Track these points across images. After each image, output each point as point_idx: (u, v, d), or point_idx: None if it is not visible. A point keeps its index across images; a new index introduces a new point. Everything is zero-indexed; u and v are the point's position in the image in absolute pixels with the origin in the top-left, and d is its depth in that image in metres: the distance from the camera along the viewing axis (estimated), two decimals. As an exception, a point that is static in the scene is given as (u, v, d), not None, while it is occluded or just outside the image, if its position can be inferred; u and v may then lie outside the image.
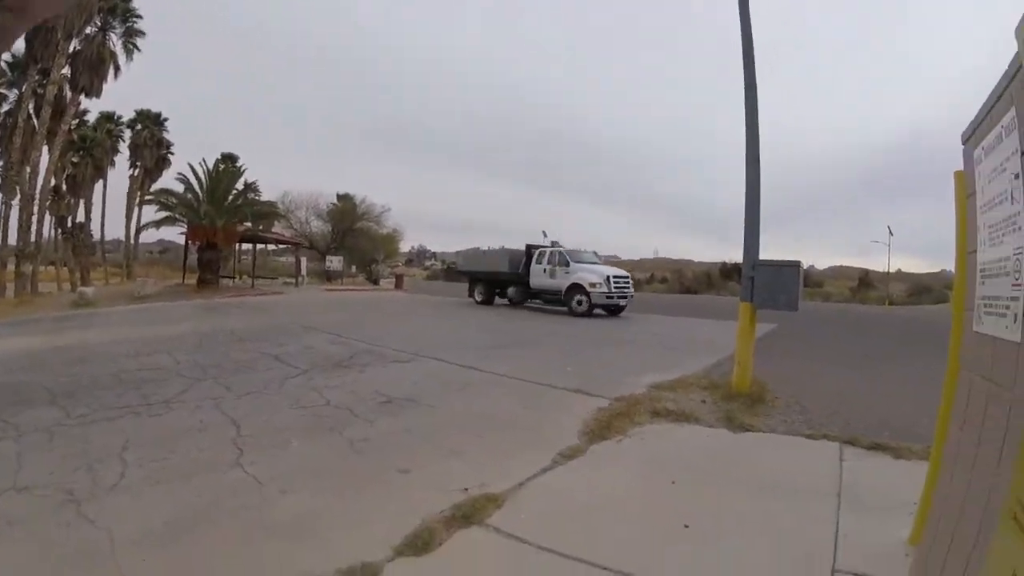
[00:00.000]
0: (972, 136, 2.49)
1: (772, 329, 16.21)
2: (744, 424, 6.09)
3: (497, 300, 24.37)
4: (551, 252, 21.54)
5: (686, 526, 3.78)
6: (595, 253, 23.26)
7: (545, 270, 21.28)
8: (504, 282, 23.49)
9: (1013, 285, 1.86)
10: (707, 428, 6.05)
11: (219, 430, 5.69)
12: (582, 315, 19.43)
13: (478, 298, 24.50)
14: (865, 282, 67.71)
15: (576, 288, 20.00)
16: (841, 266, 79.76)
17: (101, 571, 3.16)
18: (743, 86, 7.89)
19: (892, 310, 40.00)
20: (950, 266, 3.16)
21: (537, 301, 22.53)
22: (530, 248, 22.74)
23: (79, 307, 19.60)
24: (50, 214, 36.55)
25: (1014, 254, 1.87)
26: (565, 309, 20.29)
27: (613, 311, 20.56)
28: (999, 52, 2.01)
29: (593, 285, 19.68)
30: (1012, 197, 1.91)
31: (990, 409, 2.04)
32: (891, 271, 61.61)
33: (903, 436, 5.58)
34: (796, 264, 7.44)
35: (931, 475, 3.24)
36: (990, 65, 2.15)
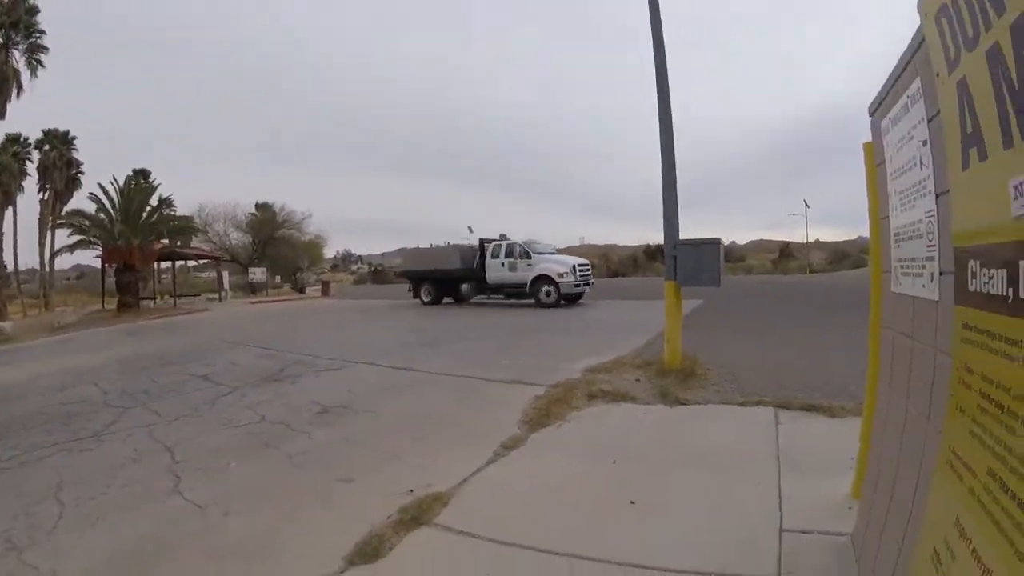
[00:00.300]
0: (879, 108, 2.61)
1: (699, 305, 16.69)
2: (679, 398, 6.26)
3: (444, 299, 23.93)
4: (509, 245, 21.32)
5: (632, 503, 3.87)
6: (551, 245, 23.23)
7: (504, 264, 21.07)
8: (457, 279, 22.84)
9: (928, 246, 1.96)
10: (643, 406, 6.19)
11: (153, 458, 5.50)
12: (550, 306, 19.67)
13: (425, 298, 23.79)
14: (786, 253, 70.26)
15: (543, 279, 20.17)
16: (762, 240, 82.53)
17: None
18: (654, 70, 8.06)
19: (813, 278, 41.66)
20: (865, 232, 3.31)
21: (483, 297, 22.41)
22: (483, 243, 22.39)
23: None
24: None
25: (926, 216, 1.97)
26: (492, 302, 20.51)
27: (575, 299, 20.81)
28: (901, 30, 2.12)
29: (561, 275, 19.93)
30: (921, 163, 2.00)
31: (915, 364, 2.15)
32: (810, 241, 64.18)
33: (835, 397, 5.82)
34: (716, 241, 7.67)
35: (865, 430, 3.38)
36: (892, 43, 2.26)
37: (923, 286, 2.03)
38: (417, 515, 3.85)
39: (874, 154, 2.81)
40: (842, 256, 64.16)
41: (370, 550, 3.45)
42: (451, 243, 24.18)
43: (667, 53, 8.05)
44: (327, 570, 3.26)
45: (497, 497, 4.17)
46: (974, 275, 1.47)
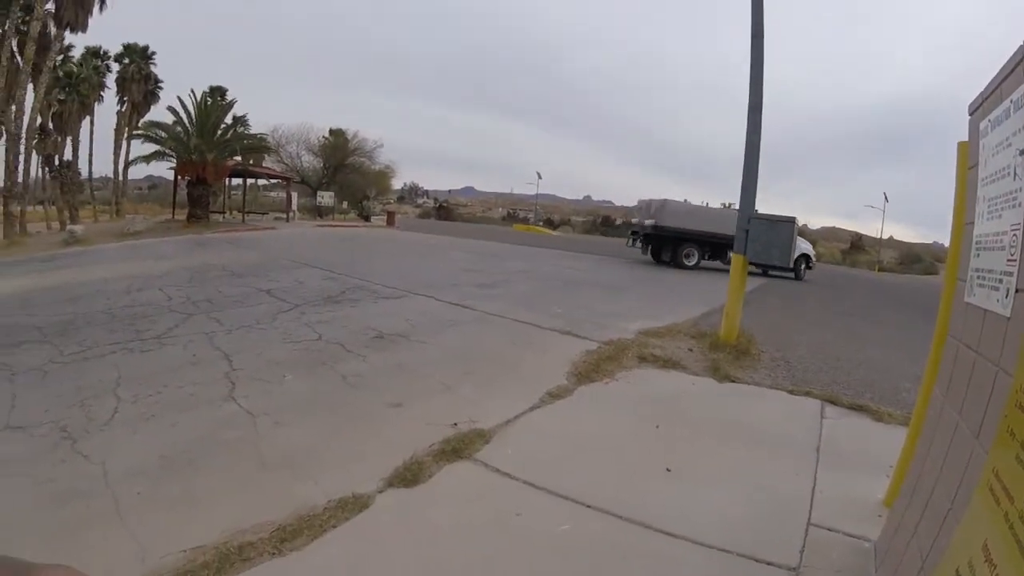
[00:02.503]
0: (979, 108, 2.45)
1: (763, 284, 16.34)
2: (729, 375, 6.19)
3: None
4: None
5: (668, 469, 3.89)
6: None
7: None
8: (727, 246, 22.04)
9: (1008, 260, 1.87)
10: (692, 376, 6.15)
11: (211, 364, 5.74)
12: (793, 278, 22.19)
13: (687, 261, 21.64)
14: (857, 245, 67.85)
15: (804, 257, 22.94)
16: (834, 227, 79.80)
17: (96, 506, 3.23)
18: (750, 34, 7.75)
19: (881, 276, 40.26)
20: (943, 239, 3.17)
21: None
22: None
23: (69, 246, 19.34)
24: (37, 153, 35.60)
25: (1011, 229, 1.88)
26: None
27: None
28: (1012, 27, 1.99)
29: (813, 256, 23.60)
30: (1015, 173, 1.90)
31: (974, 379, 2.07)
32: (883, 237, 61.70)
33: (885, 400, 5.68)
34: (791, 220, 7.47)
35: (910, 439, 3.31)
36: (1002, 39, 2.13)
37: (997, 300, 1.94)
38: (459, 448, 3.96)
39: (968, 155, 2.67)
40: (914, 259, 61.80)
41: (409, 475, 3.57)
42: (728, 206, 23.70)
43: (764, 20, 7.71)
44: (366, 488, 3.40)
45: (537, 442, 4.24)
46: (1050, 298, 1.42)
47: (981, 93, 2.45)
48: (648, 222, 21.73)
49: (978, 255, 2.27)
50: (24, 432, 4.17)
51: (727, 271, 8.45)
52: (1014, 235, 1.84)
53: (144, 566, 2.68)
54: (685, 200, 23.36)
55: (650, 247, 22.70)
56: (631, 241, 23.56)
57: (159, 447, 3.93)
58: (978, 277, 2.22)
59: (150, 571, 2.65)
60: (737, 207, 7.86)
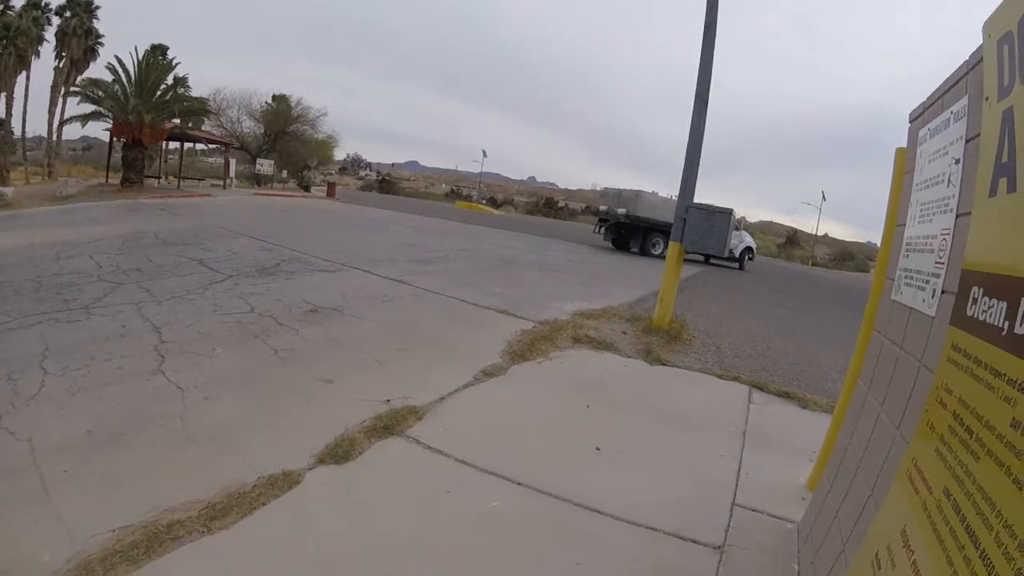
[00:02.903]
0: (921, 116, 2.57)
1: (698, 272, 16.71)
2: (660, 358, 6.34)
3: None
4: (735, 219, 22.23)
5: (598, 449, 3.98)
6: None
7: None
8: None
9: (936, 263, 1.97)
10: (625, 358, 6.28)
11: (140, 336, 5.58)
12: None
13: (654, 251, 22.16)
14: (792, 240, 69.95)
15: (748, 250, 25.53)
16: (771, 222, 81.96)
17: (23, 484, 3.12)
18: (703, 25, 7.84)
19: (813, 271, 41.66)
20: (876, 239, 3.31)
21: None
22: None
23: None
24: None
25: (941, 233, 1.98)
26: None
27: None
28: (952, 42, 2.07)
29: (753, 248, 26.32)
30: (949, 180, 1.99)
31: (897, 373, 2.18)
32: (819, 234, 63.78)
33: (811, 388, 5.92)
34: (728, 211, 7.65)
35: (834, 425, 3.46)
36: (944, 54, 2.21)
37: (923, 300, 2.05)
38: (391, 425, 3.96)
39: (904, 160, 2.80)
40: (847, 256, 64.05)
41: (340, 452, 3.57)
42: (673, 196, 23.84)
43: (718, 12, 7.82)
44: (296, 465, 3.38)
45: (470, 420, 4.28)
46: (975, 300, 1.49)
47: (923, 103, 2.56)
48: (620, 211, 22.35)
49: (907, 256, 2.38)
50: None
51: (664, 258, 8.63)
52: (944, 239, 1.94)
53: (72, 547, 2.61)
54: (654, 192, 23.81)
55: (616, 235, 23.30)
56: (598, 228, 24.44)
57: (86, 422, 3.81)
58: (906, 276, 2.34)
59: (78, 552, 2.59)
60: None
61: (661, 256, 21.05)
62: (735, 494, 3.56)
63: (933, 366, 1.75)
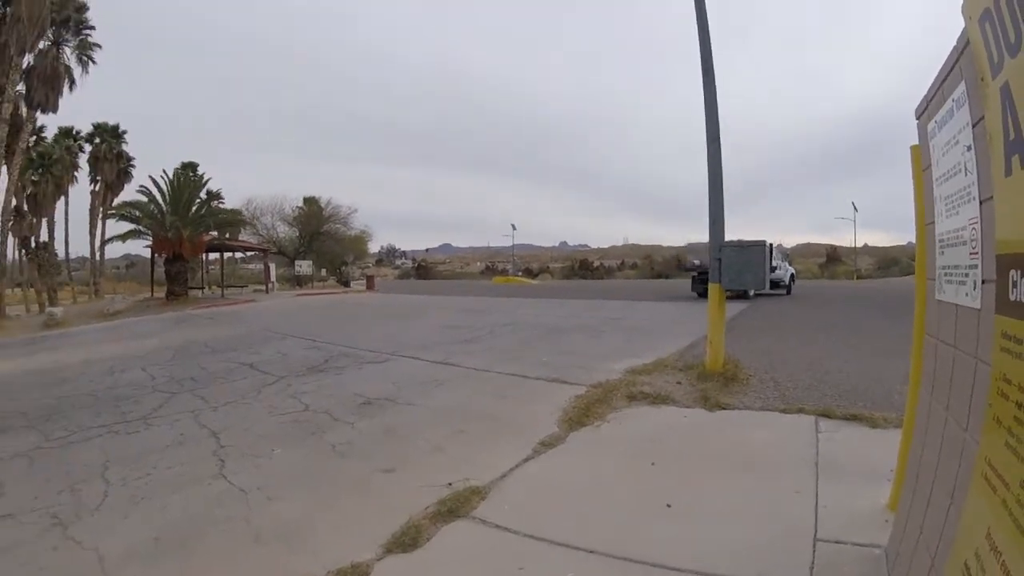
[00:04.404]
0: (925, 111, 2.55)
1: (744, 308, 16.46)
2: (719, 403, 6.20)
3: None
4: (775, 248, 24.53)
5: (668, 505, 3.86)
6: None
7: (776, 266, 23.39)
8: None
9: (971, 254, 1.92)
10: (683, 409, 6.15)
11: (199, 442, 5.67)
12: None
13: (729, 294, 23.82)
14: (833, 257, 68.82)
15: (792, 277, 26.64)
16: (809, 243, 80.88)
17: None
18: (701, 71, 8.01)
19: (860, 284, 40.73)
20: (915, 238, 3.23)
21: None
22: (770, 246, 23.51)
23: (49, 328, 19.22)
24: (12, 235, 35.49)
25: (969, 223, 1.93)
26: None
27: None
28: (949, 29, 2.07)
29: (795, 275, 27.63)
30: (965, 168, 1.96)
31: (956, 374, 2.10)
32: (858, 246, 62.65)
33: (878, 406, 5.71)
34: (762, 244, 7.58)
35: (904, 440, 3.32)
36: (944, 43, 2.21)
37: (966, 294, 1.99)
38: (455, 508, 3.91)
39: (921, 158, 2.76)
40: (891, 262, 62.61)
41: (407, 539, 3.52)
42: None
43: (713, 47, 7.99)
44: (365, 556, 3.34)
45: (534, 494, 4.20)
46: (1015, 284, 1.45)
47: (925, 96, 2.54)
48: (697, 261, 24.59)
49: (943, 253, 2.32)
50: (14, 520, 4.09)
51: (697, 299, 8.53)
52: (973, 229, 1.89)
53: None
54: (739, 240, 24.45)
55: (704, 284, 23.82)
56: (693, 285, 25.14)
57: (152, 529, 3.86)
58: (945, 274, 2.28)
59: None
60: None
61: (696, 299, 21.90)
62: (816, 529, 3.41)
63: (989, 360, 1.69)
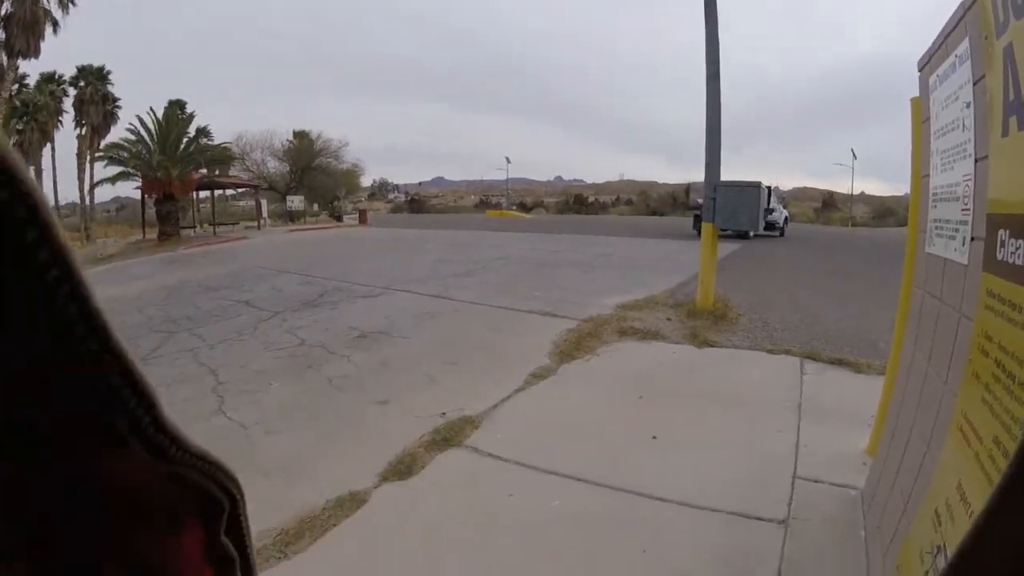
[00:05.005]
0: (928, 64, 2.54)
1: (737, 248, 16.50)
2: (708, 340, 6.31)
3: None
4: (775, 193, 25.10)
5: (654, 438, 4.00)
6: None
7: (772, 208, 23.32)
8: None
9: (962, 210, 1.94)
10: (672, 345, 6.27)
11: (198, 380, 5.75)
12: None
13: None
14: (829, 204, 68.31)
15: (787, 220, 26.93)
16: (805, 187, 79.98)
17: None
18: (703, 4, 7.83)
19: (855, 231, 40.72)
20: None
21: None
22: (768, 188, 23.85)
23: None
24: None
25: (963, 179, 1.95)
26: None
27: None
28: None
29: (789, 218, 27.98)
30: (963, 125, 1.97)
31: (939, 326, 2.16)
32: (855, 193, 62.24)
33: (863, 352, 5.80)
34: (757, 185, 7.58)
35: (886, 388, 3.41)
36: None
37: (955, 249, 2.02)
38: (449, 437, 4.05)
39: (920, 110, 2.75)
40: (886, 212, 62.09)
41: (403, 468, 3.65)
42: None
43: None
44: (363, 485, 3.47)
45: (525, 424, 4.34)
46: (1003, 244, 1.48)
47: (928, 49, 2.52)
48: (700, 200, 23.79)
49: (935, 206, 2.36)
50: None
51: (697, 240, 8.58)
52: (967, 185, 1.92)
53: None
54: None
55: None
56: (695, 223, 24.96)
57: (154, 466, 3.96)
58: (936, 228, 2.32)
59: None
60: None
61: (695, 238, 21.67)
62: (795, 467, 3.54)
63: (972, 316, 1.74)
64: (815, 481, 3.38)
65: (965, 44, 1.96)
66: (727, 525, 2.99)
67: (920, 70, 2.70)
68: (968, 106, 1.92)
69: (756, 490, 3.29)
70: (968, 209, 1.89)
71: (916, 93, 2.91)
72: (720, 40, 7.79)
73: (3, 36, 30.40)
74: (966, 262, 1.89)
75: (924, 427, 2.12)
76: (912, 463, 2.18)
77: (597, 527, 3.01)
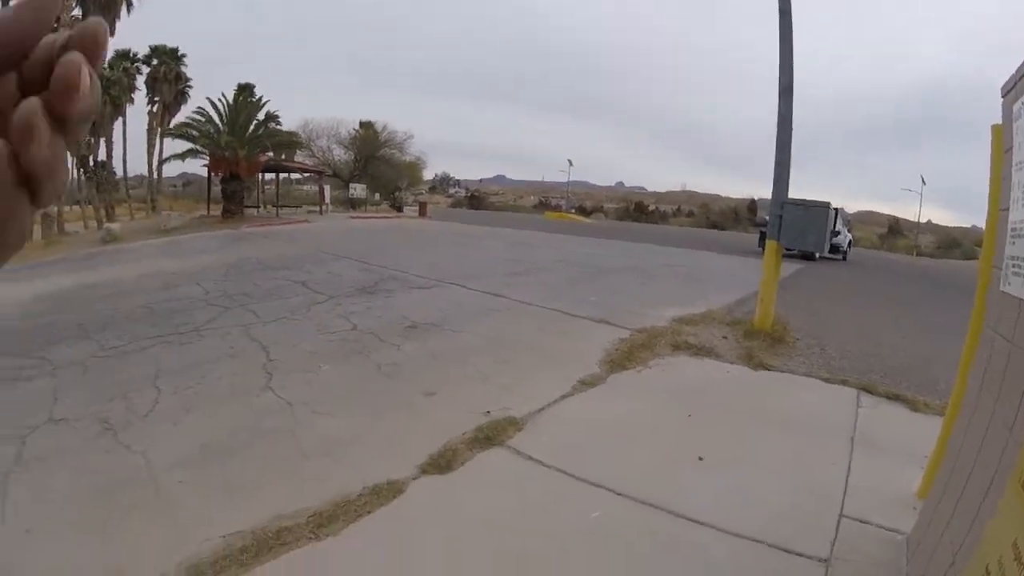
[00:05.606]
0: (1013, 89, 2.38)
1: (800, 268, 16.09)
2: (763, 363, 6.14)
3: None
4: (836, 212, 23.10)
5: (700, 458, 3.89)
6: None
7: (839, 231, 22.86)
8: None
9: None
10: (726, 364, 6.11)
11: (249, 356, 5.87)
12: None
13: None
14: (895, 230, 66.38)
15: (850, 244, 26.16)
16: (871, 211, 77.66)
17: (140, 494, 3.36)
18: (777, 11, 7.61)
19: (919, 260, 39.35)
20: (981, 223, 3.07)
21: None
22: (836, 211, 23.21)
23: (106, 243, 19.58)
24: (71, 155, 36.39)
25: None
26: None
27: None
28: None
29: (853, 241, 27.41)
30: None
31: (1010, 370, 2.02)
32: (921, 221, 60.21)
33: (922, 389, 5.55)
34: (826, 205, 7.35)
35: (945, 430, 3.24)
36: None
37: (1034, 290, 1.88)
38: (491, 435, 4.02)
39: (1003, 138, 2.57)
40: (952, 243, 59.94)
41: (443, 462, 3.64)
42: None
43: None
44: (401, 475, 3.47)
45: (569, 430, 4.27)
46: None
47: (1014, 74, 2.37)
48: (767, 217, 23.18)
49: (1014, 243, 2.21)
50: (67, 424, 4.31)
51: (759, 257, 8.37)
52: None
53: (184, 551, 2.78)
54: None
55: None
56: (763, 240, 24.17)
57: (200, 437, 4.05)
58: (1014, 265, 2.17)
59: (190, 555, 2.75)
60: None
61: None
62: (843, 504, 3.39)
63: None
64: (861, 521, 3.22)
65: (1057, 72, 1.82)
66: (767, 558, 2.88)
67: (1004, 96, 2.53)
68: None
69: (800, 524, 3.16)
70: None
71: (997, 120, 2.75)
72: (794, 53, 7.58)
73: (80, 14, 31.63)
74: (1045, 304, 1.75)
75: (982, 476, 2.00)
76: (966, 513, 2.06)
77: (635, 545, 2.94)
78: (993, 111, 2.72)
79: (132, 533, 2.98)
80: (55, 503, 3.29)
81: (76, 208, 39.11)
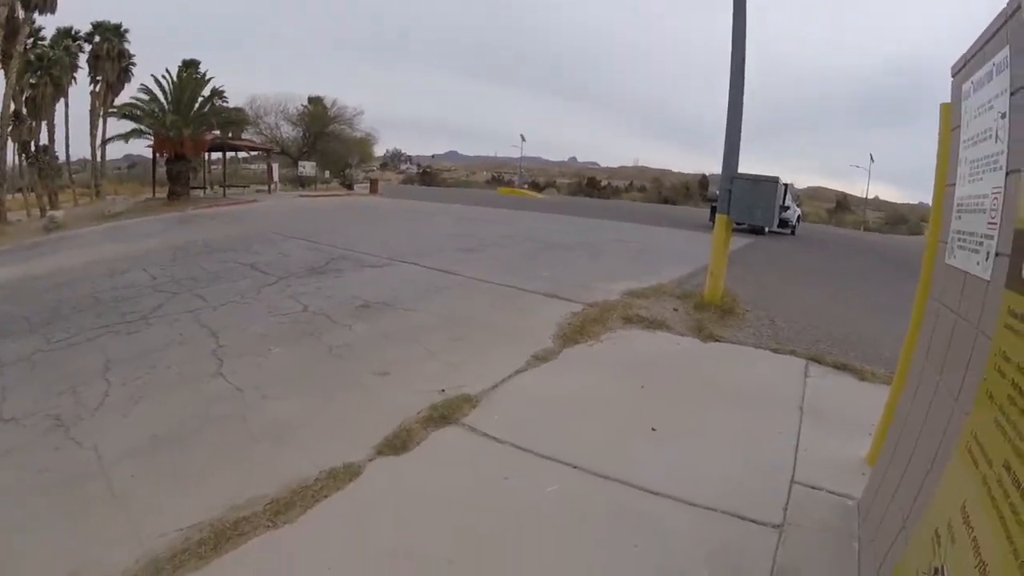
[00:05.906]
0: (962, 70, 2.43)
1: (749, 243, 16.39)
2: (713, 334, 6.24)
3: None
4: (786, 187, 23.74)
5: (653, 429, 3.96)
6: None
7: (788, 205, 22.90)
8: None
9: (988, 223, 1.86)
10: (677, 336, 6.20)
11: (198, 342, 5.76)
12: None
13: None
14: (842, 205, 67.92)
15: (799, 219, 26.43)
16: (819, 187, 79.35)
17: (92, 489, 3.29)
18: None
19: (866, 236, 40.47)
20: (928, 199, 3.15)
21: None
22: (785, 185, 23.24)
23: (50, 232, 19.11)
24: (12, 140, 34.75)
25: (992, 192, 1.87)
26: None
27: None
28: None
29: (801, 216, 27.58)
30: (996, 136, 1.88)
31: (954, 341, 2.09)
32: (869, 197, 61.81)
33: (869, 359, 5.70)
34: (775, 180, 7.45)
35: (892, 397, 3.33)
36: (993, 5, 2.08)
37: (977, 263, 1.94)
38: (446, 414, 4.01)
39: (950, 117, 2.64)
40: (899, 219, 61.76)
41: (398, 442, 3.63)
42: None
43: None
44: (356, 457, 3.45)
45: (524, 406, 4.30)
46: (1030, 262, 1.42)
47: (964, 55, 2.42)
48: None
49: (959, 217, 2.27)
50: (16, 424, 4.22)
51: (709, 231, 8.49)
52: (995, 198, 1.83)
53: (141, 547, 2.73)
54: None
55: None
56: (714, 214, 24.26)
57: (150, 428, 3.98)
58: (959, 239, 2.23)
59: (147, 551, 2.70)
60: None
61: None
62: (794, 471, 3.49)
63: (991, 333, 1.67)
64: (812, 487, 3.32)
65: (1004, 52, 1.87)
66: (721, 525, 2.95)
67: (954, 75, 2.59)
68: (1003, 116, 1.84)
69: (753, 492, 3.24)
70: (995, 223, 1.81)
71: (945, 99, 2.81)
72: (747, 31, 7.63)
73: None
74: (988, 277, 1.81)
75: (929, 443, 2.06)
76: (913, 479, 2.13)
77: (591, 518, 2.98)
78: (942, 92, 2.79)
79: (85, 530, 2.92)
80: (2, 507, 3.19)
81: (19, 196, 37.56)
